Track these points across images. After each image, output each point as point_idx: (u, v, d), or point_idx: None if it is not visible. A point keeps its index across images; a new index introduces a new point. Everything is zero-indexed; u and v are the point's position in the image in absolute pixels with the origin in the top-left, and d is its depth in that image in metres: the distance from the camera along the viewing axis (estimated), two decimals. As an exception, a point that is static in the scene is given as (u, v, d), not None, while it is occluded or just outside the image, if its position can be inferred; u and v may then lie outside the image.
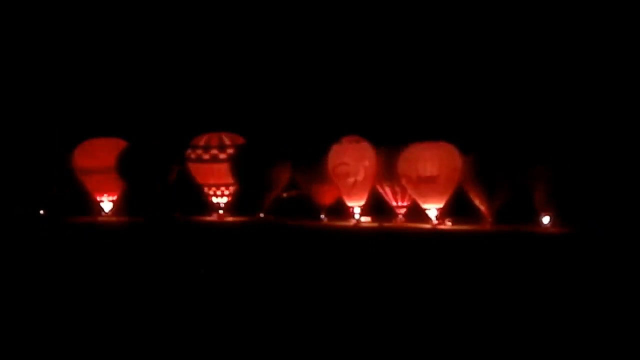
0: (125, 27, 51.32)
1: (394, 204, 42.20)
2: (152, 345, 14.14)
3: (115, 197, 45.22)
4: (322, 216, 43.57)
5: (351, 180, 41.10)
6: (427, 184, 39.01)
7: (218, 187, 43.91)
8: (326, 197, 43.28)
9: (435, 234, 38.83)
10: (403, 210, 42.25)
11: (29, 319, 16.85)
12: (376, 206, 42.86)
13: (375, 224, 41.74)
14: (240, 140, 43.92)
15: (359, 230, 40.73)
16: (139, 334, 15.22)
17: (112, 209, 45.36)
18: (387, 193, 42.04)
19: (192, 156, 43.70)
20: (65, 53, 51.37)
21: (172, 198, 45.70)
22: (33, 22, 50.59)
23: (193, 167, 43.83)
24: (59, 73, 51.20)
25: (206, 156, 43.33)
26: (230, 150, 43.16)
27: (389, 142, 41.61)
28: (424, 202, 40.02)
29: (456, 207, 40.66)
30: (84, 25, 51.20)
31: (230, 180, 43.22)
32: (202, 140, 43.68)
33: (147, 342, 14.51)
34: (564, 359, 14.40)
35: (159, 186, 43.74)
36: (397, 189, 41.49)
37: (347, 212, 42.50)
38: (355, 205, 42.10)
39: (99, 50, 51.80)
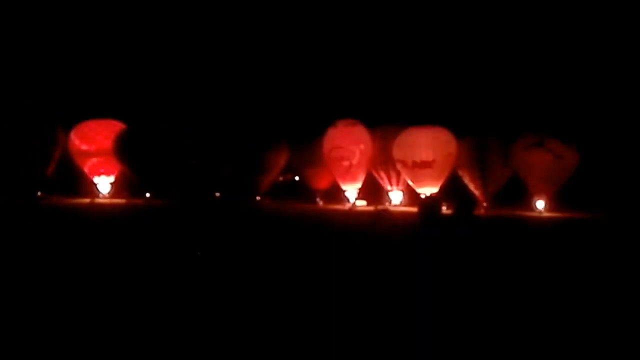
0: (122, 13, 51.35)
1: (389, 187, 42.37)
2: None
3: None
4: (318, 200, 43.70)
5: (346, 164, 41.05)
6: (422, 169, 39.13)
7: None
8: (321, 181, 43.31)
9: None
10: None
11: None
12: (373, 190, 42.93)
13: (370, 208, 41.63)
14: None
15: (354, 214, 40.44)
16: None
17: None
18: (382, 177, 42.05)
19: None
20: (62, 36, 51.34)
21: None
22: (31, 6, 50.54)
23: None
24: (54, 56, 51.16)
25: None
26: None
27: (384, 124, 41.61)
28: (419, 186, 40.13)
29: (451, 192, 40.75)
30: (81, 9, 51.20)
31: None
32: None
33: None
34: (561, 348, 14.58)
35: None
36: (392, 173, 41.51)
37: (341, 196, 42.61)
38: (350, 188, 42.11)
39: (94, 32, 51.82)
